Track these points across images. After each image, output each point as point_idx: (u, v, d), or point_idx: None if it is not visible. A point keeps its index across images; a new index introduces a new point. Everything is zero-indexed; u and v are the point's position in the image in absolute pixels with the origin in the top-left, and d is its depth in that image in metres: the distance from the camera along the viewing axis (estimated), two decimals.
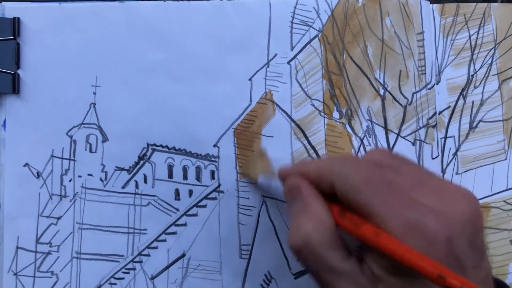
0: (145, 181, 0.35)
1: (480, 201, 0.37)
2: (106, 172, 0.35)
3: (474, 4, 0.38)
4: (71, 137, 0.35)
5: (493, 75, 0.38)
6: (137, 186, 0.35)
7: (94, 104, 0.35)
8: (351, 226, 0.22)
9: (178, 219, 0.35)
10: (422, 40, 0.36)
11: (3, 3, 0.35)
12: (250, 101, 0.35)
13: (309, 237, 0.23)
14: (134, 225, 0.34)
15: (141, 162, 0.35)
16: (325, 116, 0.35)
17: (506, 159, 0.37)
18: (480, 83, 0.38)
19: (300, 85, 0.35)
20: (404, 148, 0.35)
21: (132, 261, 0.34)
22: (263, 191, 0.34)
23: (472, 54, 0.38)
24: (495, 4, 0.38)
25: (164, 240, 0.34)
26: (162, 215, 0.35)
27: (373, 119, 0.35)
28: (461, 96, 0.38)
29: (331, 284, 0.23)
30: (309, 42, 0.35)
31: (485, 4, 0.38)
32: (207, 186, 0.35)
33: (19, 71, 0.35)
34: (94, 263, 0.34)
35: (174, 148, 0.35)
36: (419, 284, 0.21)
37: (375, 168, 0.24)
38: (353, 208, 0.23)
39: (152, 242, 0.34)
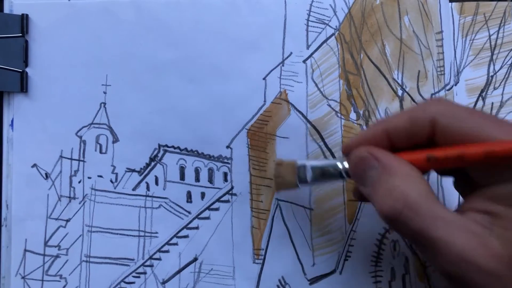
0: (157, 183, 0.34)
1: None
2: (116, 174, 0.34)
3: (495, 2, 0.37)
4: (80, 137, 0.34)
5: None
6: (148, 188, 0.34)
7: (104, 103, 0.34)
8: (453, 154, 0.21)
9: (190, 222, 0.34)
10: (441, 39, 0.35)
11: None
12: (264, 101, 0.34)
13: (407, 194, 0.21)
14: (145, 228, 0.34)
15: (153, 163, 0.34)
16: (342, 117, 0.34)
17: None
18: (500, 84, 0.37)
19: (316, 85, 0.34)
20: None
21: (143, 265, 0.33)
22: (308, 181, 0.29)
23: (492, 54, 0.37)
24: None
25: (176, 244, 0.34)
26: (173, 218, 0.34)
27: None
28: (480, 98, 0.36)
29: (443, 240, 0.20)
30: (325, 41, 0.35)
31: (505, 3, 0.37)
32: (219, 188, 0.34)
33: (27, 69, 0.34)
34: (104, 267, 0.33)
35: (186, 149, 0.34)
36: None
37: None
38: (459, 141, 0.21)
39: (164, 245, 0.34)
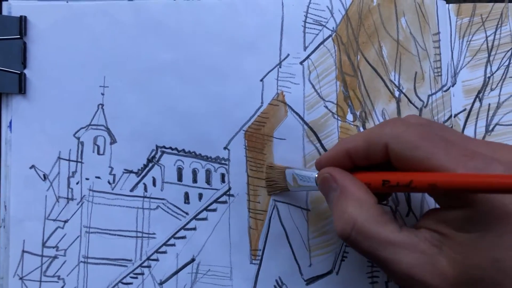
0: (154, 184, 0.34)
1: None
2: (114, 175, 0.34)
3: (491, 4, 0.37)
4: (78, 138, 0.34)
5: (510, 77, 0.37)
6: (145, 189, 0.34)
7: (102, 105, 0.34)
8: (403, 182, 0.22)
9: (187, 223, 0.34)
10: (438, 41, 0.35)
11: (10, 1, 0.34)
12: (262, 102, 0.34)
13: (354, 218, 0.23)
14: (142, 229, 0.34)
15: (150, 164, 0.34)
16: (339, 118, 0.34)
17: None
18: (496, 86, 0.37)
19: (313, 86, 0.35)
20: None
21: (140, 265, 0.34)
22: (295, 187, 0.32)
23: (489, 56, 0.37)
24: None
25: (173, 245, 0.34)
26: (171, 219, 0.34)
27: None
28: (477, 99, 0.37)
29: (390, 259, 0.22)
30: (322, 42, 0.35)
31: (502, 4, 0.37)
32: (217, 189, 0.34)
33: (25, 71, 0.34)
34: (102, 268, 0.33)
35: (183, 150, 0.34)
36: (493, 233, 0.20)
37: (425, 126, 0.23)
38: (410, 167, 0.22)
39: (161, 246, 0.34)
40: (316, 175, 0.28)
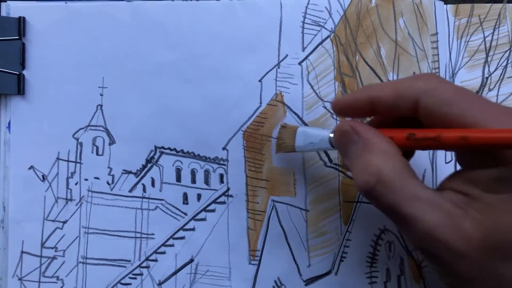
0: (153, 185, 0.34)
1: None
2: (113, 176, 0.34)
3: (489, 4, 0.37)
4: (77, 139, 0.34)
5: (508, 77, 0.37)
6: (144, 190, 0.34)
7: (101, 105, 0.34)
8: (430, 135, 0.21)
9: (186, 223, 0.34)
10: (436, 41, 0.36)
11: (8, 2, 0.34)
12: (260, 102, 0.34)
13: (380, 169, 0.22)
14: (141, 230, 0.34)
15: (149, 165, 0.34)
16: (337, 119, 0.34)
17: None
18: (494, 86, 0.37)
19: (312, 87, 0.35)
20: (417, 152, 0.34)
21: (139, 266, 0.34)
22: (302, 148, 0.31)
23: (487, 56, 0.37)
24: (511, 5, 0.37)
25: (172, 245, 0.34)
26: (170, 220, 0.34)
27: None
28: None
29: (413, 216, 0.21)
30: (321, 43, 0.35)
31: (500, 5, 0.37)
32: (216, 190, 0.34)
33: (24, 72, 0.34)
34: (101, 268, 0.33)
35: (182, 151, 0.34)
36: None
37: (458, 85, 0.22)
38: (442, 125, 0.21)
39: (160, 247, 0.34)
40: (331, 134, 0.27)
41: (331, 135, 0.28)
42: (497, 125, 0.20)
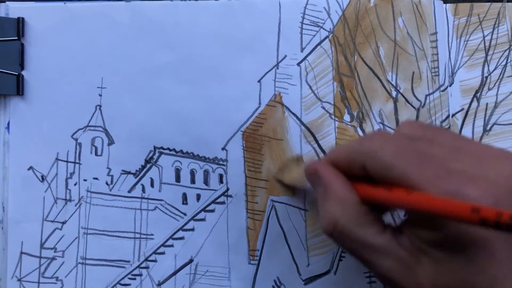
0: (152, 185, 0.34)
1: None
2: (112, 176, 0.34)
3: (488, 4, 0.37)
4: (76, 139, 0.34)
5: (507, 76, 0.37)
6: (143, 190, 0.34)
7: (100, 106, 0.34)
8: (382, 193, 0.22)
9: (185, 224, 0.34)
10: (435, 41, 0.35)
11: (7, 2, 0.34)
12: (259, 103, 0.34)
13: (335, 218, 0.23)
14: (140, 230, 0.34)
15: (148, 165, 0.34)
16: (336, 119, 0.34)
17: None
18: (494, 85, 0.37)
19: (310, 87, 0.35)
20: None
21: (138, 267, 0.34)
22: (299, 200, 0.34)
23: (486, 55, 0.37)
24: (510, 4, 0.37)
25: (171, 246, 0.34)
26: (169, 220, 0.34)
27: (385, 122, 0.35)
28: (474, 98, 0.37)
29: (370, 261, 0.22)
30: (319, 43, 0.35)
31: (499, 4, 0.37)
32: (215, 190, 0.34)
33: (23, 72, 0.34)
34: (100, 269, 0.33)
35: (181, 151, 0.34)
36: (464, 257, 0.20)
37: (406, 141, 0.22)
38: (389, 184, 0.22)
39: (159, 247, 0.34)
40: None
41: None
42: (432, 189, 0.20)
